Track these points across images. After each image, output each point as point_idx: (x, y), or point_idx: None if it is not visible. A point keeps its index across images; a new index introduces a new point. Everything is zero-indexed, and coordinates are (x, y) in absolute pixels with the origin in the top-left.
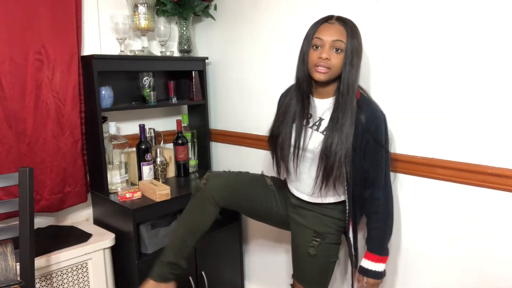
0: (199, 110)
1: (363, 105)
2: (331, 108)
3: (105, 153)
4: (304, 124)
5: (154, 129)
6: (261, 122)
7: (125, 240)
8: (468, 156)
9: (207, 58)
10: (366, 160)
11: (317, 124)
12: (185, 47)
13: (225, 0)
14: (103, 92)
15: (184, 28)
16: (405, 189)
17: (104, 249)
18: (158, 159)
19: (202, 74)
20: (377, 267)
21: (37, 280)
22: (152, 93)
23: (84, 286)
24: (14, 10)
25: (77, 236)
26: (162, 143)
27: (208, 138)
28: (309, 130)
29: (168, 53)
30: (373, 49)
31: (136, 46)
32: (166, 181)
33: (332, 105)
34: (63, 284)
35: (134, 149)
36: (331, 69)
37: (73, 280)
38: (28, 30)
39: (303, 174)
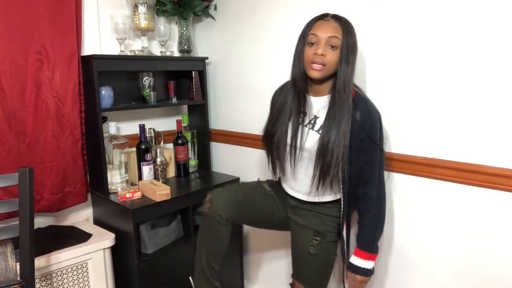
0: (199, 110)
1: (358, 103)
2: (326, 106)
3: (105, 153)
4: (299, 122)
5: (154, 129)
6: (261, 122)
7: (125, 240)
8: (468, 156)
9: (207, 58)
10: (360, 158)
11: (312, 122)
12: (185, 47)
13: (225, 0)
14: (103, 92)
15: (184, 28)
16: (405, 189)
17: (104, 249)
18: (158, 159)
19: (202, 74)
20: (366, 264)
21: (37, 280)
22: (152, 93)
23: (84, 286)
24: (14, 10)
25: (77, 236)
26: (162, 143)
27: (208, 138)
28: (305, 129)
29: (168, 53)
30: (373, 49)
31: (136, 46)
32: (166, 181)
33: (327, 103)
34: (63, 284)
35: (134, 149)
36: (326, 66)
37: (73, 280)
38: (28, 30)
39: (300, 173)
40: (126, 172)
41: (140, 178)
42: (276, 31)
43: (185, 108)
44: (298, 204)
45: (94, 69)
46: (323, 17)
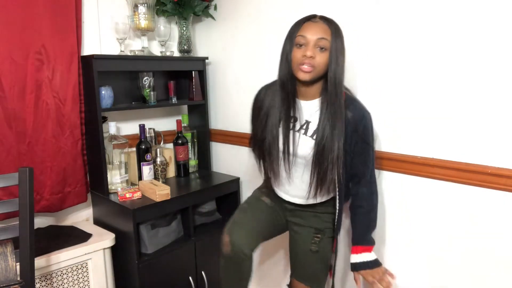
0: (199, 110)
1: (349, 104)
2: (318, 111)
3: (105, 153)
4: (290, 128)
5: (154, 129)
6: None
7: (125, 240)
8: (468, 156)
9: (207, 58)
10: (354, 159)
11: (304, 127)
12: (185, 47)
13: (225, 0)
14: (103, 92)
15: (184, 28)
16: (405, 189)
17: (104, 249)
18: (158, 159)
19: (202, 74)
20: (363, 257)
21: (37, 280)
22: (152, 93)
23: (84, 286)
24: (14, 10)
25: (77, 236)
26: (162, 143)
27: (208, 138)
28: (297, 134)
29: (168, 53)
30: (373, 49)
31: (136, 46)
32: (166, 181)
33: (319, 107)
34: (63, 284)
35: (134, 149)
36: (315, 68)
37: (73, 280)
38: (28, 30)
39: (295, 178)
40: (126, 172)
41: (140, 178)
42: (276, 31)
43: (185, 108)
44: (295, 208)
45: (94, 69)
46: (311, 18)
